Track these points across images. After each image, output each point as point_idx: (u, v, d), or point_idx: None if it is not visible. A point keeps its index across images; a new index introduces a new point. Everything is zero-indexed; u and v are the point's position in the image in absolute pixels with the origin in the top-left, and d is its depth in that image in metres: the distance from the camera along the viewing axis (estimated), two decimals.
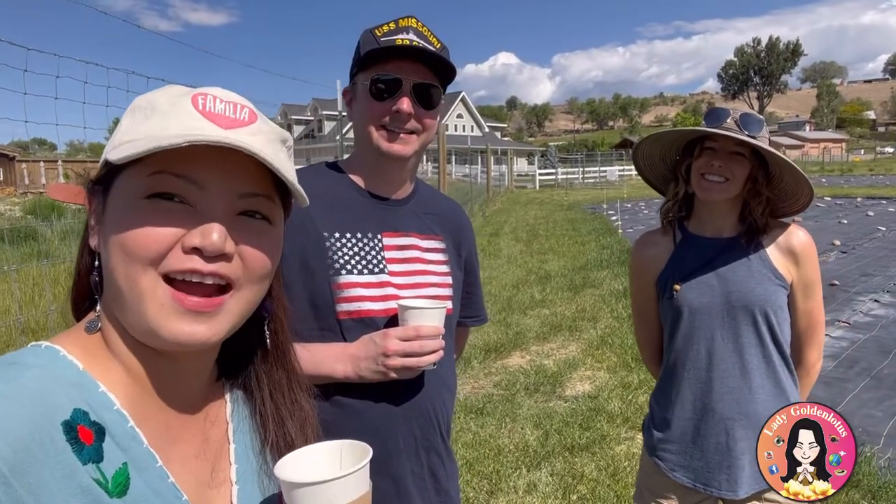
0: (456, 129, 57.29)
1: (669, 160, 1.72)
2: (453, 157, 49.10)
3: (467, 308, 1.54)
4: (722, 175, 1.56)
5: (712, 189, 1.56)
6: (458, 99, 61.38)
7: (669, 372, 1.71)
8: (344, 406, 1.23)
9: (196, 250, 0.63)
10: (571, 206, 21.21)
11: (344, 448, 0.81)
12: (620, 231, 13.24)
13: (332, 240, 1.26)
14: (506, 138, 77.73)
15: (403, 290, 1.31)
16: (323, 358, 1.20)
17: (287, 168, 0.68)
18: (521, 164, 58.07)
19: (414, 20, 1.27)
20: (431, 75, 1.28)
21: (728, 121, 1.56)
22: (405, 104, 1.25)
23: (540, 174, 40.04)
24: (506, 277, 9.14)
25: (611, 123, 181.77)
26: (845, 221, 13.85)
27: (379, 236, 1.31)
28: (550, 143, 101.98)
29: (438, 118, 1.36)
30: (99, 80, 3.19)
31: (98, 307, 0.69)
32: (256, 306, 0.73)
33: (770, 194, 1.61)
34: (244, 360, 0.83)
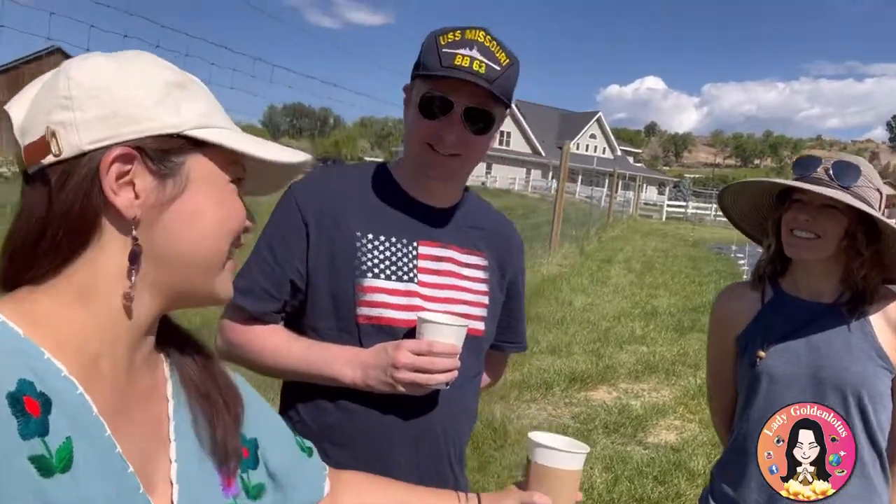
0: (587, 150, 56.33)
1: (764, 209, 1.52)
2: (579, 177, 48.36)
3: (506, 332, 1.44)
4: (811, 231, 1.34)
5: (800, 246, 1.36)
6: (594, 119, 60.43)
7: (739, 446, 1.49)
8: (349, 411, 1.18)
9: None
10: (696, 242, 20.05)
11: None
12: (746, 277, 12.32)
13: (365, 240, 1.21)
14: (639, 164, 75.38)
15: (431, 302, 1.23)
16: (334, 358, 1.16)
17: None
18: (650, 193, 56.04)
19: (482, 33, 1.17)
20: (489, 99, 1.18)
21: (818, 170, 1.35)
22: (452, 131, 1.16)
23: (668, 205, 38.39)
24: (608, 307, 8.77)
25: (756, 161, 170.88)
26: None
27: (415, 243, 1.24)
28: (686, 175, 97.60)
29: (492, 138, 1.26)
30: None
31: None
32: None
33: (874, 255, 1.37)
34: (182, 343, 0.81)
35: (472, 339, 1.25)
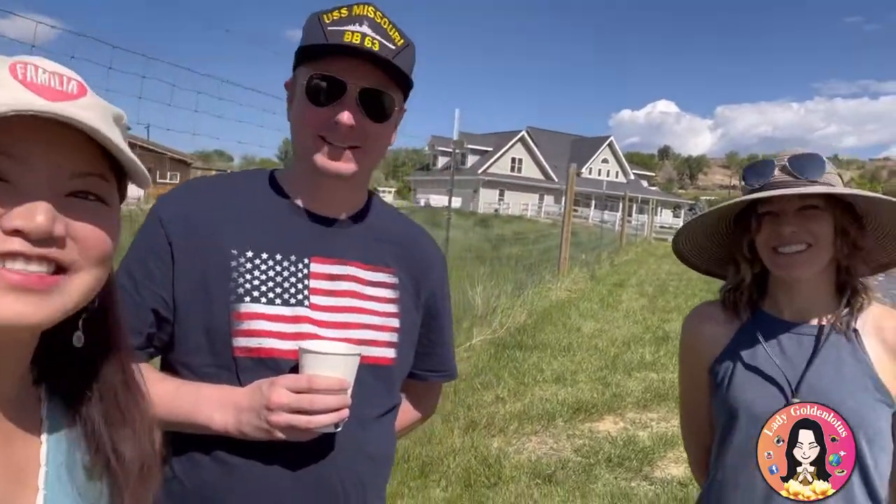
0: (599, 174, 56.16)
1: (725, 238, 1.32)
2: (592, 202, 48.10)
3: (428, 360, 1.25)
4: (801, 241, 1.14)
5: (793, 263, 1.15)
6: (606, 144, 60.44)
7: (716, 491, 1.27)
8: (226, 465, 0.99)
9: (20, 233, 0.56)
10: None
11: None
12: None
13: (242, 259, 1.02)
14: (653, 188, 74.91)
15: (326, 328, 1.04)
16: (204, 401, 0.97)
17: (122, 145, 0.61)
18: (665, 216, 55.64)
19: (371, 8, 1.02)
20: (386, 79, 1.02)
21: (776, 173, 1.16)
22: (346, 116, 1.00)
23: None
24: (618, 332, 8.48)
25: None
26: None
27: (306, 261, 1.06)
28: (702, 197, 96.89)
29: (394, 129, 1.10)
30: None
31: None
32: (95, 293, 0.65)
33: (869, 244, 1.20)
34: (67, 362, 0.68)
35: (379, 368, 1.08)
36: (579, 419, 5.12)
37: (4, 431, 0.63)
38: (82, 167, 0.61)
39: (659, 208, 52.33)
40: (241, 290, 1.01)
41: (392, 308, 1.13)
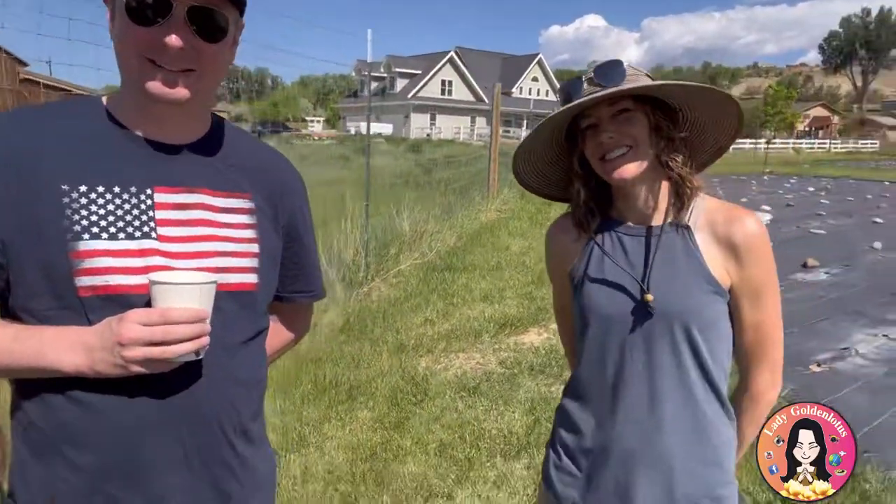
0: (530, 93, 55.83)
1: (555, 160, 1.35)
2: (525, 122, 48.04)
3: (295, 282, 1.25)
4: (621, 144, 1.19)
5: (619, 165, 1.19)
6: (535, 62, 59.81)
7: (575, 385, 1.36)
8: (84, 404, 0.97)
9: None
10: None
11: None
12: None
13: (75, 195, 0.97)
14: None
15: (178, 259, 1.01)
16: (49, 344, 0.93)
17: None
18: None
19: None
20: None
21: (584, 86, 1.19)
22: (174, 38, 0.94)
23: None
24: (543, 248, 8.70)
25: None
26: None
27: (148, 191, 1.01)
28: None
29: (233, 46, 1.05)
30: None
31: None
32: None
33: (687, 134, 1.24)
34: None
35: (241, 294, 1.07)
36: (505, 333, 5.30)
37: None
38: None
39: None
40: (77, 228, 0.96)
41: (250, 234, 1.11)
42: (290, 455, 3.28)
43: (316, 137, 42.08)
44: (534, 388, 4.20)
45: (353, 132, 43.93)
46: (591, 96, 1.16)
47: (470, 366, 4.62)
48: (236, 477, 1.10)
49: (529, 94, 55.32)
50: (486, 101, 51.05)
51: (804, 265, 7.80)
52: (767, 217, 5.27)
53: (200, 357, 0.96)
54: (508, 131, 42.09)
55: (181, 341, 0.91)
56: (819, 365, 4.64)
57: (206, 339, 0.95)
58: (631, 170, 1.19)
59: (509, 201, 12.57)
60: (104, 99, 1.06)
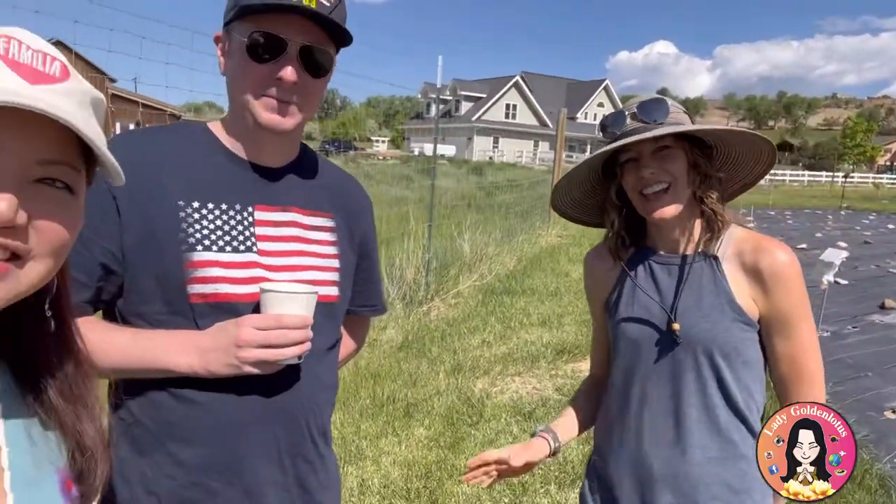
0: (595, 118, 55.42)
1: (597, 191, 1.41)
2: (588, 147, 47.71)
3: (362, 296, 1.35)
4: (660, 181, 1.23)
5: (657, 201, 1.24)
6: (602, 87, 59.50)
7: (607, 407, 1.41)
8: (191, 401, 1.06)
9: None
10: None
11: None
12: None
13: (189, 210, 1.07)
14: None
15: (275, 272, 1.11)
16: (164, 346, 1.03)
17: (100, 137, 0.62)
18: None
19: None
20: (324, 36, 1.06)
21: (627, 122, 1.24)
22: (289, 72, 1.04)
23: None
24: None
25: (771, 123, 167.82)
26: None
27: (250, 209, 1.12)
28: None
29: (327, 83, 1.14)
30: None
31: None
32: (47, 281, 0.65)
33: (724, 175, 1.30)
34: (16, 343, 0.69)
35: (325, 306, 1.16)
36: (562, 360, 5.27)
37: None
38: (53, 155, 0.61)
39: None
40: (191, 240, 1.06)
41: (332, 250, 1.21)
42: (348, 467, 3.36)
43: (381, 157, 42.98)
44: None
45: (416, 153, 44.65)
46: (643, 135, 1.20)
47: (526, 390, 4.62)
48: (316, 474, 1.19)
49: (595, 119, 54.92)
50: (550, 125, 51.07)
51: (882, 306, 7.41)
52: (844, 255, 5.04)
53: (300, 361, 1.06)
54: (571, 156, 41.93)
55: (291, 345, 1.00)
56: (895, 411, 4.41)
57: (309, 345, 1.04)
58: (670, 211, 1.24)
59: (570, 227, 12.49)
60: (210, 125, 1.18)
